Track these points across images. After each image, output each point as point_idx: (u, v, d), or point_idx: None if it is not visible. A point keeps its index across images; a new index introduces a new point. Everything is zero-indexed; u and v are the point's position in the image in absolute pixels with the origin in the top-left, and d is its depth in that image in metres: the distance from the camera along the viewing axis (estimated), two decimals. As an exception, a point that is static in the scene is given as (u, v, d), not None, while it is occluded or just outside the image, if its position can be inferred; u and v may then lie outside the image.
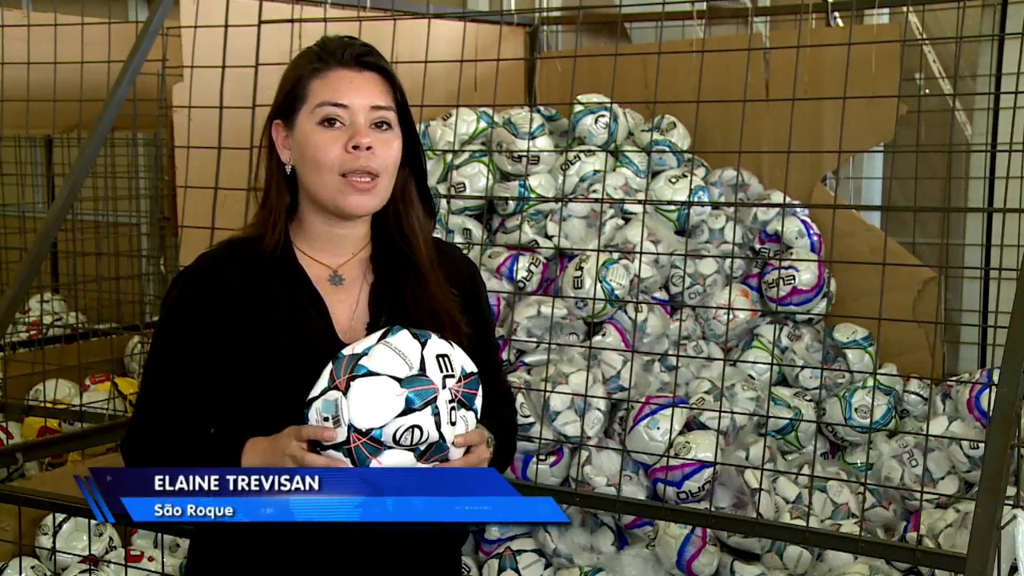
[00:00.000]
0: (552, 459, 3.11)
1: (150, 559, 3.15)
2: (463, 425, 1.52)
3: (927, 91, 3.77)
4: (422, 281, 1.71)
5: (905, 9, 3.59)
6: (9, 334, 4.14)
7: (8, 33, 3.64)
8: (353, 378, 1.47)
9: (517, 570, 3.05)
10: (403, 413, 1.46)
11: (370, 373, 1.47)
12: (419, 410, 1.46)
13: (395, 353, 1.49)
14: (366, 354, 1.49)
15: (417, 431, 1.47)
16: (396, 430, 1.46)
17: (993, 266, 3.43)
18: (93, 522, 3.02)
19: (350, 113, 1.64)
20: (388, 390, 1.46)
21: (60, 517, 3.04)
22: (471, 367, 1.55)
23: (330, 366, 1.51)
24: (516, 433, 1.88)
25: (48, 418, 3.83)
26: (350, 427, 1.46)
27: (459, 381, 1.52)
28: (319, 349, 1.62)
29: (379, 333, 1.52)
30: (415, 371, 1.48)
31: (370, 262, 1.73)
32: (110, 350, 4.32)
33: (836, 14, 3.66)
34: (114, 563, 3.14)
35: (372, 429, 1.46)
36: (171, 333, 1.68)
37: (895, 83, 3.33)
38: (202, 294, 1.66)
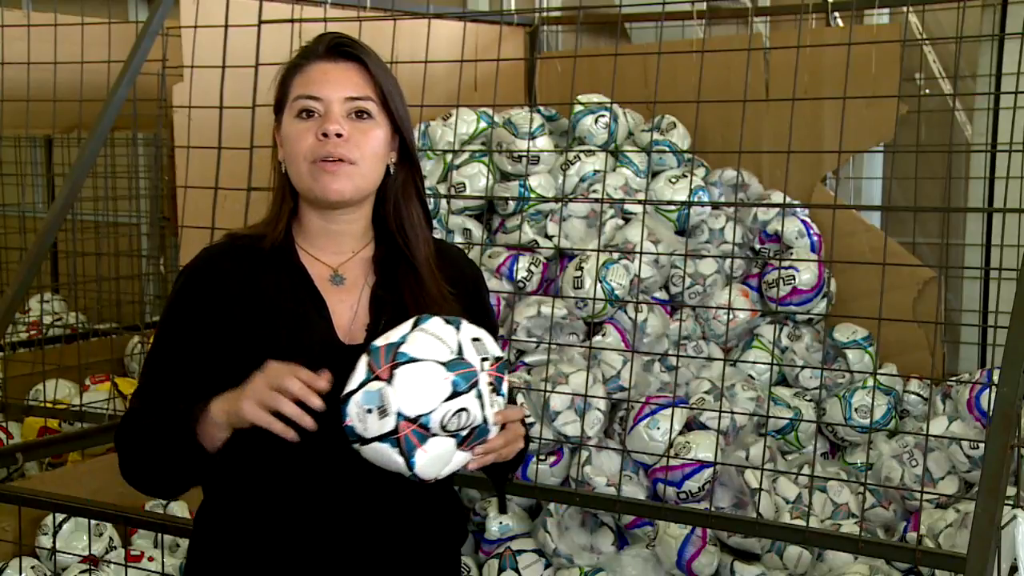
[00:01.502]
0: (552, 459, 3.10)
1: (150, 559, 3.15)
2: (497, 408, 1.52)
3: (927, 91, 3.77)
4: (419, 280, 1.71)
5: (905, 9, 3.59)
6: (9, 334, 4.14)
7: (8, 33, 3.64)
8: (396, 366, 1.46)
9: (517, 570, 3.04)
10: (451, 397, 1.45)
11: (413, 359, 1.46)
12: (465, 393, 1.46)
13: (434, 338, 1.48)
14: (404, 342, 1.48)
15: (464, 414, 1.46)
16: (444, 415, 1.45)
17: (993, 266, 3.43)
18: (93, 522, 3.02)
19: (324, 104, 1.64)
20: (435, 374, 1.45)
21: (60, 517, 3.04)
22: (498, 351, 1.55)
23: (365, 358, 1.49)
24: (527, 447, 1.89)
25: (48, 418, 3.82)
26: (399, 415, 1.45)
27: (492, 364, 1.51)
28: (318, 349, 1.62)
29: (410, 322, 1.51)
30: (455, 355, 1.48)
31: (372, 263, 1.73)
32: (110, 350, 4.32)
33: (836, 14, 3.66)
34: (114, 563, 3.13)
35: (421, 415, 1.45)
36: (171, 327, 1.69)
37: (895, 83, 3.32)
38: (203, 290, 1.67)
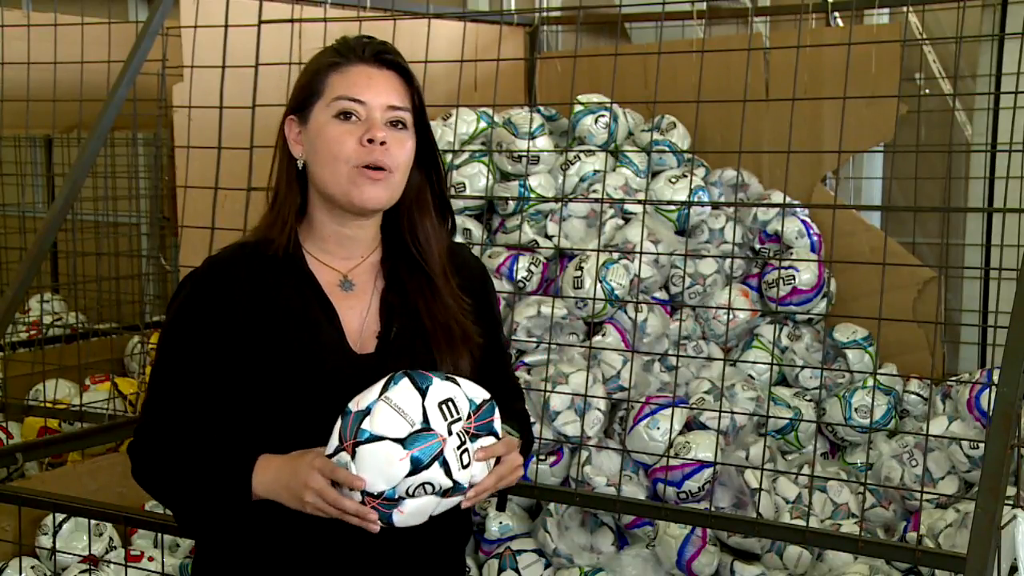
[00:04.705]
0: (552, 459, 3.11)
1: (150, 559, 3.15)
2: (475, 467, 1.52)
3: (927, 91, 3.77)
4: (435, 291, 1.69)
5: (905, 9, 3.59)
6: (9, 334, 4.14)
7: (8, 33, 3.64)
8: (358, 444, 1.46)
9: (517, 570, 3.04)
10: (411, 474, 1.46)
11: (373, 438, 1.46)
12: (427, 468, 1.46)
13: (395, 412, 1.47)
14: (368, 413, 1.47)
15: (429, 486, 1.47)
16: (408, 488, 1.47)
17: (993, 266, 3.43)
18: (93, 522, 3.02)
19: (367, 109, 1.63)
20: (392, 455, 1.45)
21: (60, 517, 3.04)
22: (481, 396, 1.53)
23: (339, 423, 1.50)
24: (531, 422, 1.88)
25: (48, 418, 3.82)
26: (363, 492, 1.47)
27: (469, 418, 1.51)
28: (330, 358, 1.61)
29: (381, 385, 1.50)
30: (417, 427, 1.47)
31: (381, 267, 1.72)
32: (110, 350, 4.32)
33: (836, 14, 3.66)
34: (114, 563, 3.13)
35: (383, 492, 1.46)
36: (178, 338, 1.67)
37: (895, 83, 3.33)
38: (210, 299, 1.65)
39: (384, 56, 1.67)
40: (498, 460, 1.55)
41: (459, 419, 1.49)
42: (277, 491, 1.56)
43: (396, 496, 1.46)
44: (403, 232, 1.72)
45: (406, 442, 1.45)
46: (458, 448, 1.48)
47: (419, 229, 1.72)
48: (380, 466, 1.45)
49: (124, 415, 3.65)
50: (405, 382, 1.49)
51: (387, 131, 1.63)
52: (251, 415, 1.63)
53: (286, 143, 1.69)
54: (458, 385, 1.52)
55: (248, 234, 1.76)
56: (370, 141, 1.61)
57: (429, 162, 1.72)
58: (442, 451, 1.46)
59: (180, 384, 1.66)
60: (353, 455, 1.46)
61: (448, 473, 1.47)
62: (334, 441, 1.49)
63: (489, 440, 1.53)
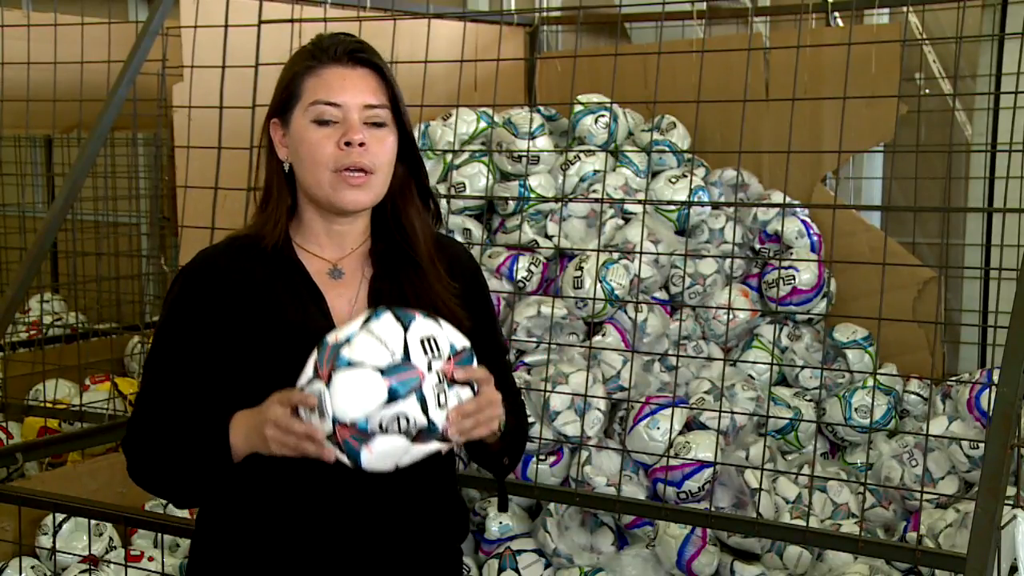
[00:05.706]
0: (552, 459, 3.11)
1: (150, 559, 3.14)
2: (456, 402, 1.49)
3: (927, 91, 3.77)
4: (421, 274, 1.71)
5: (905, 9, 3.59)
6: (9, 334, 4.14)
7: (8, 33, 3.64)
8: (335, 369, 1.45)
9: (517, 570, 3.04)
10: (387, 403, 1.44)
11: (351, 364, 1.45)
12: (404, 398, 1.44)
13: (377, 341, 1.46)
14: (348, 342, 1.46)
15: (404, 420, 1.45)
16: (381, 420, 1.44)
17: (993, 266, 3.43)
18: (93, 522, 3.02)
19: (343, 111, 1.64)
20: (370, 382, 1.44)
21: (60, 517, 3.04)
22: (462, 342, 1.52)
23: (315, 353, 1.49)
24: (526, 437, 1.88)
25: (48, 418, 3.83)
26: (334, 420, 1.45)
27: (448, 360, 1.49)
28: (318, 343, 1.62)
29: (363, 318, 1.49)
30: (398, 359, 1.45)
31: (369, 256, 1.74)
32: (110, 350, 4.32)
33: (836, 14, 3.66)
34: (114, 563, 3.13)
35: (356, 421, 1.44)
36: (171, 330, 1.69)
37: (895, 83, 3.33)
38: (202, 291, 1.67)
39: (357, 55, 1.67)
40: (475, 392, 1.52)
41: (439, 358, 1.48)
42: (249, 435, 1.56)
43: (368, 429, 1.44)
44: (389, 222, 1.74)
45: (385, 371, 1.44)
46: (436, 386, 1.47)
47: (404, 219, 1.73)
48: (356, 393, 1.43)
49: (124, 415, 3.65)
50: (388, 316, 1.49)
51: (365, 131, 1.64)
52: (242, 404, 1.63)
53: (272, 145, 1.71)
54: (440, 326, 1.51)
55: (241, 229, 1.78)
56: (348, 144, 1.62)
57: (409, 154, 1.73)
58: (420, 385, 1.45)
59: (172, 377, 1.67)
60: (329, 381, 1.45)
61: (424, 409, 1.45)
62: (308, 372, 1.48)
63: (466, 391, 1.50)
